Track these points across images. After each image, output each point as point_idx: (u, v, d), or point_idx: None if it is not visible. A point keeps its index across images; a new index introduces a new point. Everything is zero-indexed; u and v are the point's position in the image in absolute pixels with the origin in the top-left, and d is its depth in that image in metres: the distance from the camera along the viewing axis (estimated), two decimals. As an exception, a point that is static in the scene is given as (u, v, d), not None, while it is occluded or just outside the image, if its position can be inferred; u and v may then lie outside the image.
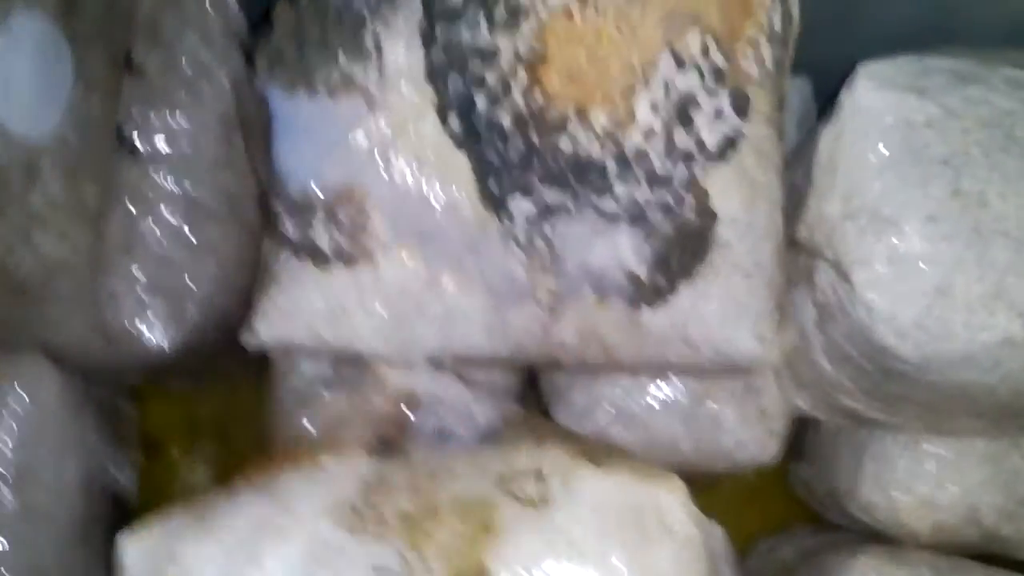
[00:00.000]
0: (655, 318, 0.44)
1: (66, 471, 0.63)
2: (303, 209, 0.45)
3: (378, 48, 0.43)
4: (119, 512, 0.70)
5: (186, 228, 0.66)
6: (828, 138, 0.47)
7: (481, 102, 0.42)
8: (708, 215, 0.43)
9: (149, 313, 0.65)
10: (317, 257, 0.46)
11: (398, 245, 0.45)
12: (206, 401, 0.87)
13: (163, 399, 0.86)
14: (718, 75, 0.41)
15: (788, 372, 0.55)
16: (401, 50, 0.43)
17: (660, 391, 0.58)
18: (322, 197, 0.44)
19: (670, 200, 0.42)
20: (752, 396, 0.59)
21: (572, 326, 0.46)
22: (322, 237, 0.45)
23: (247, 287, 0.70)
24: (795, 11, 0.45)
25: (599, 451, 0.43)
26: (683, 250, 0.42)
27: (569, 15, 0.41)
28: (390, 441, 0.46)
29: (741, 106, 0.41)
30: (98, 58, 0.59)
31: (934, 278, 0.44)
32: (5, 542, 0.57)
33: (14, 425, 0.61)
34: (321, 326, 0.49)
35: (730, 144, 0.41)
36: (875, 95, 0.46)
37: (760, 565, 0.66)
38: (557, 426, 0.56)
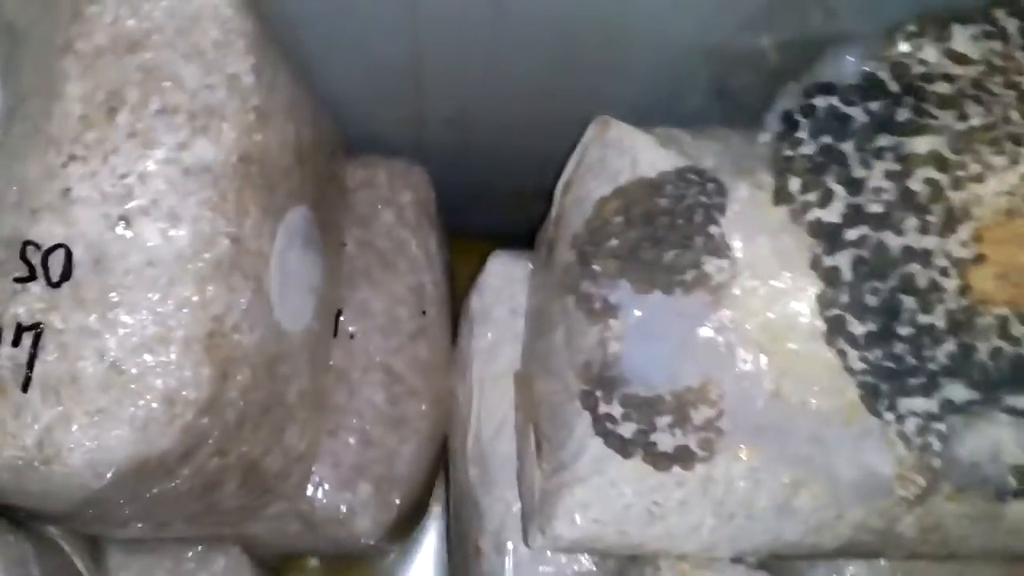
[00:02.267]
0: (1014, 509, 0.44)
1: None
2: (649, 408, 0.44)
3: (729, 241, 0.43)
4: None
5: (387, 405, 0.64)
6: None
7: (908, 303, 0.41)
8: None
9: (356, 499, 0.62)
10: (653, 456, 0.44)
11: (739, 441, 0.44)
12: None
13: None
14: None
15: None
16: (757, 242, 0.43)
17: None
18: (673, 396, 0.43)
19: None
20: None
21: (916, 520, 0.45)
22: (665, 436, 0.44)
23: (435, 460, 0.69)
24: None
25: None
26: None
27: (1008, 216, 0.42)
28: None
29: None
30: (330, 244, 0.58)
31: None
32: None
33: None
34: (633, 525, 0.47)
35: None
36: None
37: None
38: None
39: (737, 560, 0.49)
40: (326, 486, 0.61)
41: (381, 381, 0.65)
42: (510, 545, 0.57)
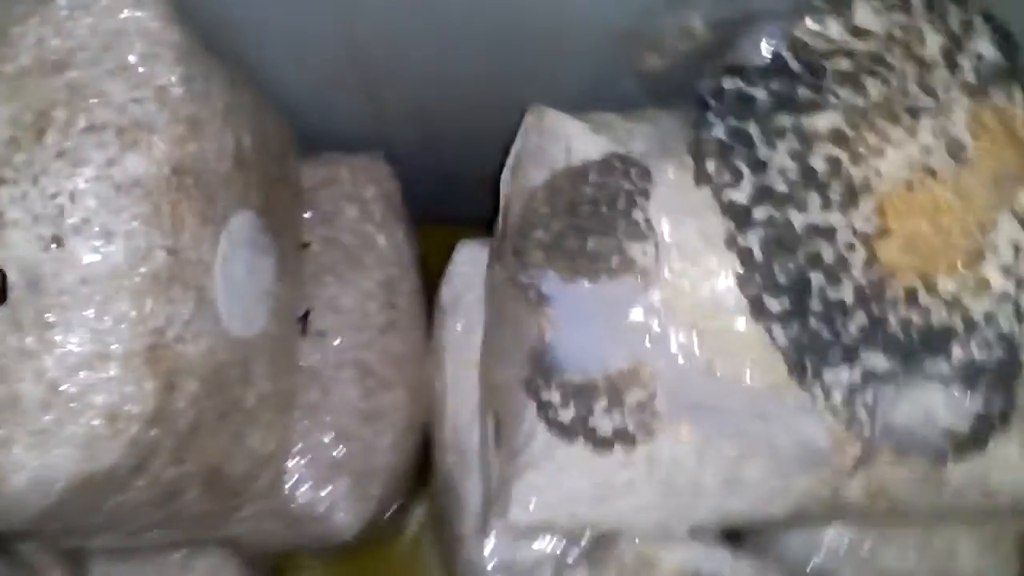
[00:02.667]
0: (956, 471, 0.43)
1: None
2: (584, 394, 0.44)
3: (654, 225, 0.42)
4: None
5: (361, 400, 0.64)
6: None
7: (816, 280, 0.41)
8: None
9: (334, 494, 0.62)
10: (593, 441, 0.44)
11: (677, 420, 0.44)
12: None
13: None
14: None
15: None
16: (683, 224, 0.42)
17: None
18: (606, 380, 0.43)
19: (1005, 356, 0.41)
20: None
21: (861, 486, 0.44)
22: (602, 420, 0.44)
23: (415, 449, 0.69)
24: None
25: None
26: (1004, 399, 0.41)
27: (909, 188, 0.41)
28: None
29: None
30: (286, 247, 0.58)
31: None
32: None
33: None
34: (583, 508, 0.47)
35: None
36: None
37: None
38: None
39: (694, 535, 0.49)
40: (304, 484, 0.62)
41: (354, 377, 0.65)
42: (488, 530, 0.58)
